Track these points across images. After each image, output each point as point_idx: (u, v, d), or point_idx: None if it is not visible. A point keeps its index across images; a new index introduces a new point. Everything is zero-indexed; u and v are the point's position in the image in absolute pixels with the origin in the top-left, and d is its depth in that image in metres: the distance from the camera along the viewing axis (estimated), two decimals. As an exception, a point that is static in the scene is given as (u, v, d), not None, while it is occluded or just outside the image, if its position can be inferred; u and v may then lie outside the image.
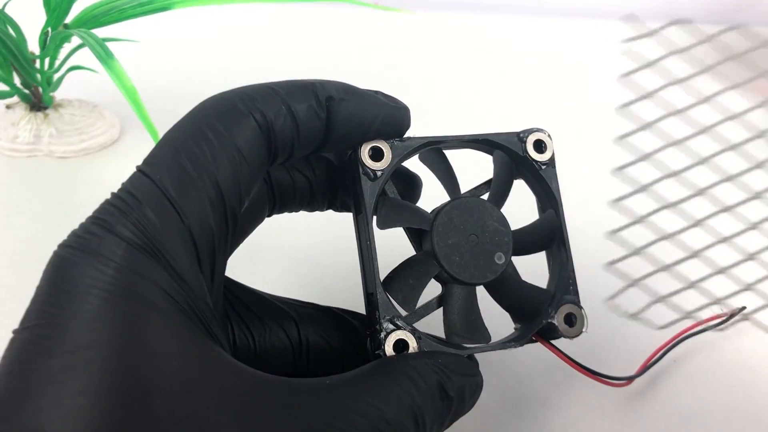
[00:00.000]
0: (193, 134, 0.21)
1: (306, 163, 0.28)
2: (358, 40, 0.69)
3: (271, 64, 0.63)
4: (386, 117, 0.25)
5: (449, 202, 0.27)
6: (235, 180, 0.21)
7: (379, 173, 0.26)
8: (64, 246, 0.20)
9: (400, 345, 0.24)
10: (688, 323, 0.35)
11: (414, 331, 0.25)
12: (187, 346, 0.19)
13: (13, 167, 0.47)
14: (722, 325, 0.36)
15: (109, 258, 0.19)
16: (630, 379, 0.31)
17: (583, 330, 0.26)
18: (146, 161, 0.21)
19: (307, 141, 0.24)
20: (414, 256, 0.27)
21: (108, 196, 0.21)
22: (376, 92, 0.26)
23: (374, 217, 0.26)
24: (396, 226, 0.26)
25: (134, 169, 0.22)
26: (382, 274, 0.26)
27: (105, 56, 0.40)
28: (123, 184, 0.21)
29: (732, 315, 0.35)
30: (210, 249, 0.21)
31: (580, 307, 0.27)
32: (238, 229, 0.22)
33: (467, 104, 0.59)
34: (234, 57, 0.64)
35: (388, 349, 0.24)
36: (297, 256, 0.39)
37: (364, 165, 0.26)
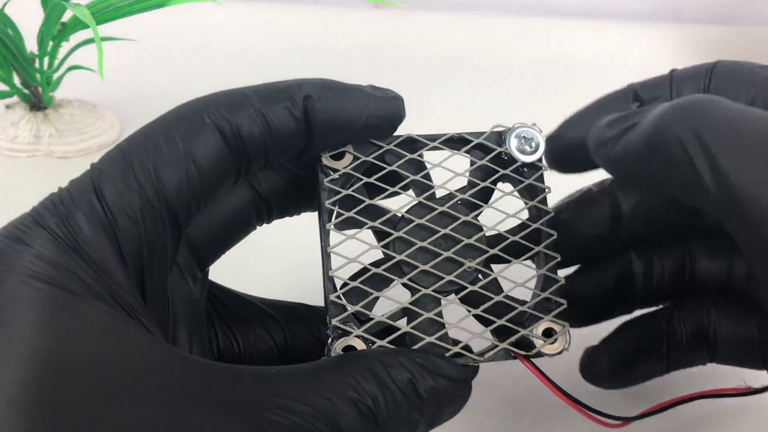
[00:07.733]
0: (145, 138, 0.22)
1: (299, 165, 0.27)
2: (358, 40, 0.69)
3: (270, 61, 0.63)
4: (375, 110, 0.24)
5: (417, 203, 0.25)
6: (180, 187, 0.22)
7: (339, 173, 0.25)
8: None
9: (349, 351, 0.23)
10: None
11: (366, 339, 0.23)
12: (103, 328, 0.20)
13: (13, 167, 0.47)
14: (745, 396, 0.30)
15: (30, 246, 0.20)
16: (626, 421, 0.27)
17: (565, 347, 0.24)
18: (100, 159, 0.22)
19: (284, 145, 0.23)
20: (375, 261, 0.25)
21: None
22: (366, 86, 0.25)
23: (332, 218, 0.25)
24: (355, 228, 0.24)
25: None
26: (344, 277, 0.24)
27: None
28: (71, 180, 0.22)
29: (757, 391, 0.30)
30: (137, 247, 0.21)
31: (563, 323, 0.24)
32: (183, 235, 0.23)
33: (469, 106, 0.58)
34: (232, 54, 0.64)
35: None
36: (291, 254, 0.38)
37: (321, 163, 0.25)
